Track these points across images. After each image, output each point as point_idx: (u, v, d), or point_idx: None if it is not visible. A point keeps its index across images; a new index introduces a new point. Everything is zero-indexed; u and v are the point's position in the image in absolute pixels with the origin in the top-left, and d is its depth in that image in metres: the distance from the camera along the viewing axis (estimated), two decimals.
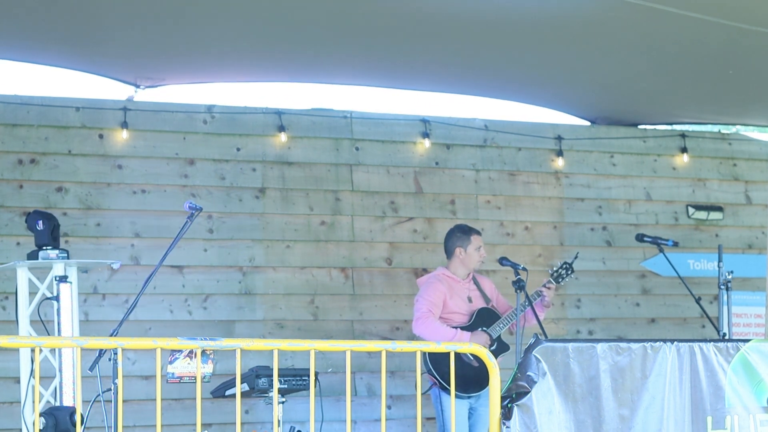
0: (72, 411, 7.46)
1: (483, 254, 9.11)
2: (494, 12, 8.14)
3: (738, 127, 11.70)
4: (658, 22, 8.23)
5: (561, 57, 9.25)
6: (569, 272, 9.15)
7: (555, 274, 9.13)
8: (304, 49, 9.03)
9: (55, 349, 8.03)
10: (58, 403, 7.86)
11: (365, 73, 9.93)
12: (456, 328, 8.81)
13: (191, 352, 6.86)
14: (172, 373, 6.95)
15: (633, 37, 8.69)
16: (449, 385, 8.61)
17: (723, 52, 8.99)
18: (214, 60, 9.34)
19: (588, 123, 11.23)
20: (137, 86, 9.72)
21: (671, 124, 11.39)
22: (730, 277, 9.16)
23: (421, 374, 7.65)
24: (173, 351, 6.89)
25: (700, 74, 9.74)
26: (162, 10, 8.10)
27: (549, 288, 9.01)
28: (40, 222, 8.21)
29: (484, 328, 8.91)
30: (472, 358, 8.52)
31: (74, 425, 7.38)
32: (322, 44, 8.92)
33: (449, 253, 9.12)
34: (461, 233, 9.12)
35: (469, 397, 8.76)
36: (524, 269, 8.80)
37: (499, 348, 8.86)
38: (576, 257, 9.37)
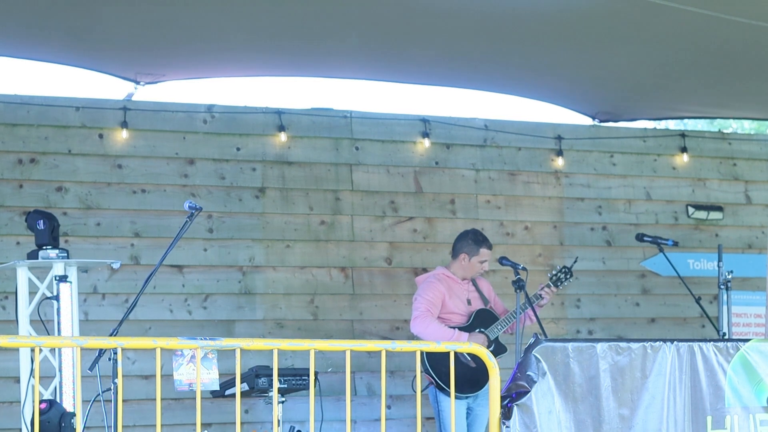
0: (64, 414, 7.45)
1: (485, 268, 9.08)
2: (495, 6, 8.13)
3: (737, 121, 11.69)
4: (658, 17, 8.23)
5: (561, 51, 9.25)
6: (568, 276, 9.14)
7: (554, 278, 9.12)
8: (304, 43, 9.02)
9: (55, 349, 8.03)
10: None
11: (365, 68, 9.93)
12: (454, 328, 8.81)
13: (193, 356, 6.85)
14: (180, 381, 6.92)
15: (633, 31, 8.69)
16: (446, 385, 8.68)
17: (723, 46, 8.99)
18: (214, 55, 9.33)
19: (588, 118, 11.23)
20: (137, 82, 9.71)
21: (671, 118, 11.38)
22: (730, 276, 9.17)
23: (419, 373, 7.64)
24: (175, 356, 6.87)
25: (700, 68, 9.73)
26: (161, 5, 8.09)
27: (547, 292, 9.00)
28: (41, 222, 8.21)
29: (482, 329, 8.90)
30: (469, 358, 8.53)
31: (67, 427, 7.37)
32: (322, 38, 8.92)
33: (455, 254, 9.10)
34: (473, 242, 9.04)
35: (466, 397, 8.76)
36: (524, 269, 8.79)
37: (496, 349, 8.85)
38: (575, 262, 9.37)
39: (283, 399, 8.45)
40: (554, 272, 9.16)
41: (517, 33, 8.76)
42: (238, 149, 9.96)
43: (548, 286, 9.02)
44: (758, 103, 11.02)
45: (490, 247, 9.07)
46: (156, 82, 9.77)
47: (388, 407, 9.96)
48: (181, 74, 9.83)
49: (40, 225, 8.20)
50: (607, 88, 10.50)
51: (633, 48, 9.13)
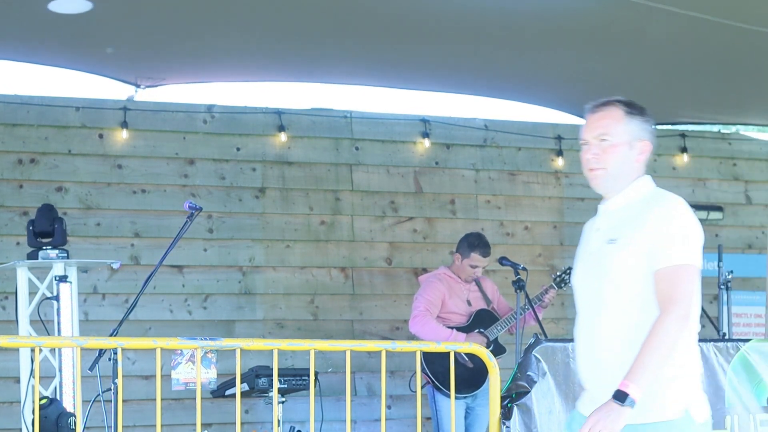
0: (62, 413, 7.45)
1: (478, 273, 8.99)
2: (493, 12, 8.14)
3: (738, 126, 11.69)
4: (658, 22, 8.23)
5: (560, 56, 9.25)
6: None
7: (557, 279, 9.08)
8: (305, 48, 9.03)
9: (55, 349, 8.02)
10: None
11: (365, 73, 9.94)
12: (452, 328, 8.80)
13: (192, 355, 6.85)
14: (177, 380, 6.93)
15: (632, 36, 8.69)
16: (442, 385, 8.68)
17: (723, 51, 8.99)
18: (215, 59, 9.34)
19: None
20: (137, 86, 9.72)
21: (670, 123, 11.38)
22: (730, 276, 9.16)
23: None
24: (174, 355, 6.88)
25: (700, 74, 9.74)
26: (162, 10, 8.10)
27: (551, 294, 8.97)
28: (52, 221, 8.23)
29: (482, 330, 8.89)
30: (467, 358, 8.52)
31: (65, 427, 7.37)
32: (323, 44, 8.93)
33: (454, 253, 9.08)
34: (467, 246, 8.96)
35: (464, 398, 8.74)
36: (524, 269, 8.76)
37: (495, 350, 8.81)
38: None
39: (283, 399, 8.45)
40: (558, 273, 9.12)
41: (516, 38, 8.76)
42: (238, 149, 9.96)
43: (551, 287, 8.99)
44: (761, 110, 11.01)
45: (484, 254, 8.93)
46: (156, 86, 9.78)
47: (388, 407, 9.96)
48: (182, 78, 9.84)
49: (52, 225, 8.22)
50: (607, 93, 10.46)
51: (632, 53, 9.11)
